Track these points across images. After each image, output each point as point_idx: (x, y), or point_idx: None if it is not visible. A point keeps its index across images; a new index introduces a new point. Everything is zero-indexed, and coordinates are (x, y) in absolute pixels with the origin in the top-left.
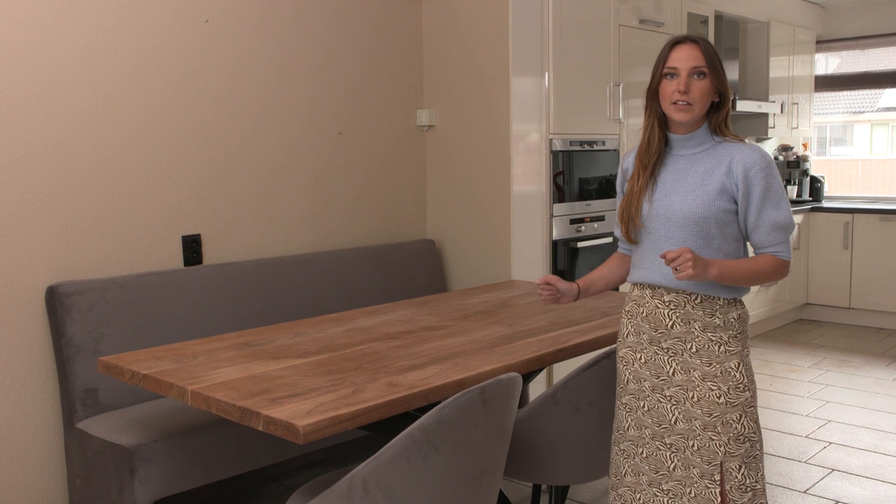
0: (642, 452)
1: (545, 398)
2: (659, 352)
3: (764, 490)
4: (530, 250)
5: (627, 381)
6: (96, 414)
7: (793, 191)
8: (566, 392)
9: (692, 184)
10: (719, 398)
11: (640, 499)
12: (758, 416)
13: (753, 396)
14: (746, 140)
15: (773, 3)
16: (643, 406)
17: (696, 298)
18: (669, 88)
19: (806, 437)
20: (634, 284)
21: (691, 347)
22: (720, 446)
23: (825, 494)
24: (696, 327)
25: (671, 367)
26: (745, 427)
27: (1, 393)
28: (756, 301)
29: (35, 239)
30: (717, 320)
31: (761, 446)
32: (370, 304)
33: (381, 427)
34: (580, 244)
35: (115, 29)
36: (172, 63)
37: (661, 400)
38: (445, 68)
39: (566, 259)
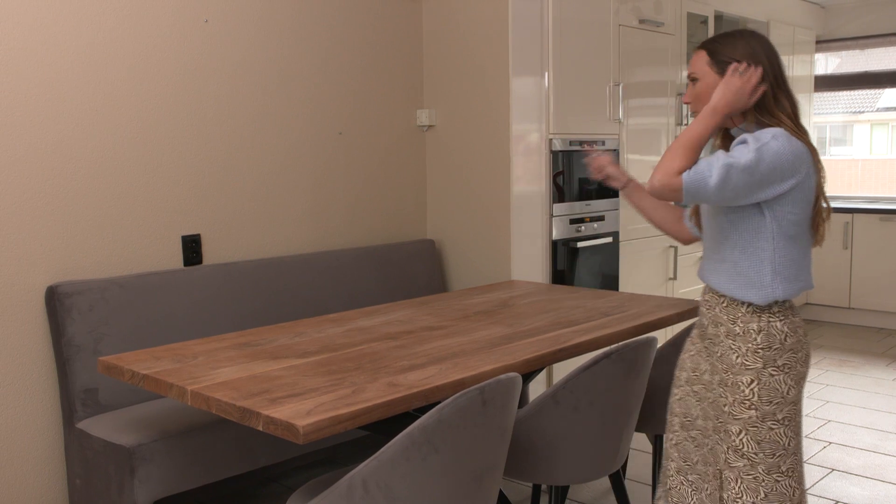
0: (673, 439)
1: (545, 398)
2: (702, 349)
3: None
4: (530, 250)
5: (679, 367)
6: (96, 414)
7: None
8: (566, 392)
9: None
10: (724, 407)
11: (668, 484)
12: (775, 440)
13: (764, 418)
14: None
15: (773, 3)
16: (677, 395)
17: (723, 302)
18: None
19: (806, 436)
20: None
21: (717, 351)
22: (722, 453)
23: (825, 494)
24: (722, 332)
25: (704, 365)
26: (742, 443)
27: (1, 393)
28: None
29: (35, 239)
30: (737, 328)
31: (769, 470)
32: (370, 304)
33: (381, 427)
34: (580, 244)
35: (114, 29)
36: (172, 63)
37: (690, 394)
38: (445, 68)
39: (566, 259)
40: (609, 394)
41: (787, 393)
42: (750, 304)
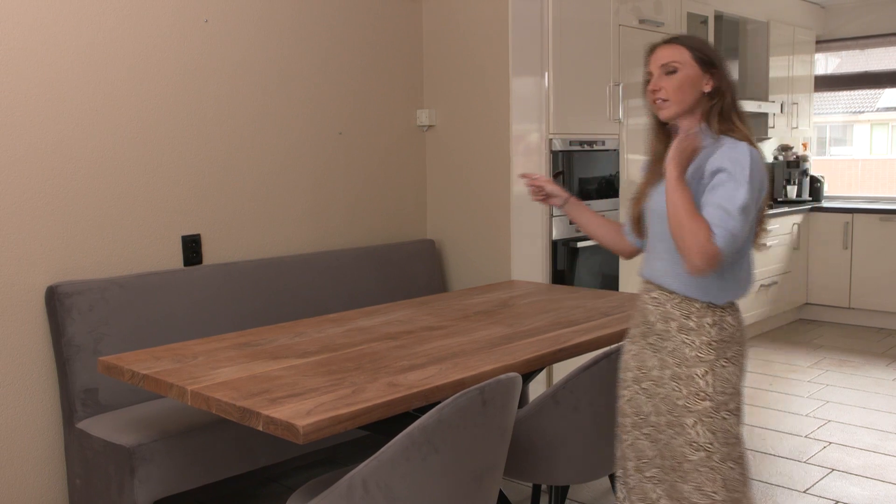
0: (627, 440)
1: (545, 398)
2: (646, 346)
3: (728, 501)
4: (530, 250)
5: (623, 368)
6: (96, 414)
7: (792, 191)
8: (566, 392)
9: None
10: (678, 400)
11: (629, 483)
12: (727, 429)
13: (718, 408)
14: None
15: (773, 3)
16: (625, 396)
17: (676, 298)
18: (648, 89)
19: (806, 436)
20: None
21: (668, 346)
22: (678, 447)
23: (825, 494)
24: (673, 327)
25: (652, 361)
26: (698, 434)
27: (1, 393)
28: (756, 301)
29: (35, 239)
30: (691, 323)
31: (723, 459)
32: (370, 305)
33: (381, 427)
34: (580, 244)
35: (114, 29)
36: (172, 63)
37: (639, 392)
38: (445, 68)
39: (566, 259)
40: (609, 394)
41: (737, 384)
42: (702, 302)
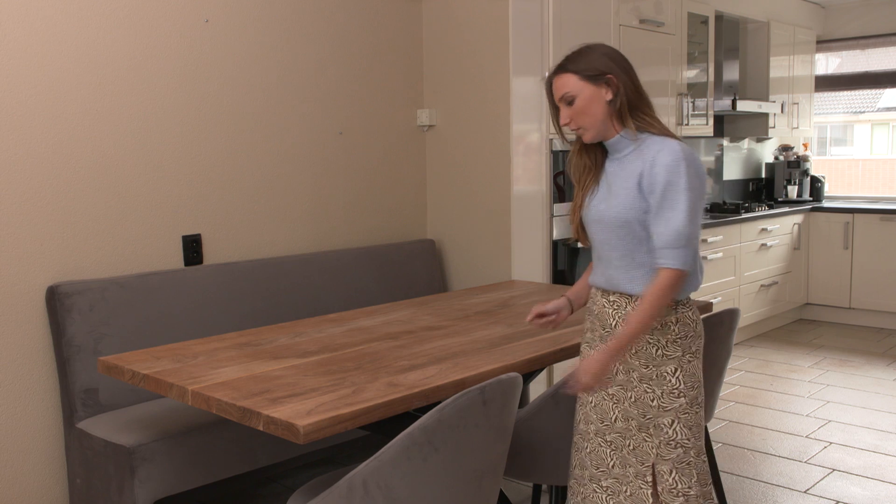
0: (587, 447)
1: (545, 398)
2: None
3: (700, 496)
4: (531, 250)
5: None
6: (96, 414)
7: (793, 191)
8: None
9: (620, 186)
10: (652, 401)
11: (582, 493)
12: (699, 422)
13: (691, 403)
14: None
15: (774, 3)
16: (590, 402)
17: (635, 300)
18: (560, 123)
19: (806, 437)
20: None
21: (631, 348)
22: (652, 448)
23: (825, 494)
24: None
25: (614, 365)
26: (676, 433)
27: (1, 393)
28: (756, 301)
29: (35, 239)
30: (654, 323)
31: (698, 453)
32: (370, 305)
33: (382, 427)
34: (580, 244)
35: (115, 29)
36: (173, 63)
37: (605, 397)
38: (446, 68)
39: (566, 259)
40: None
41: (700, 377)
42: None
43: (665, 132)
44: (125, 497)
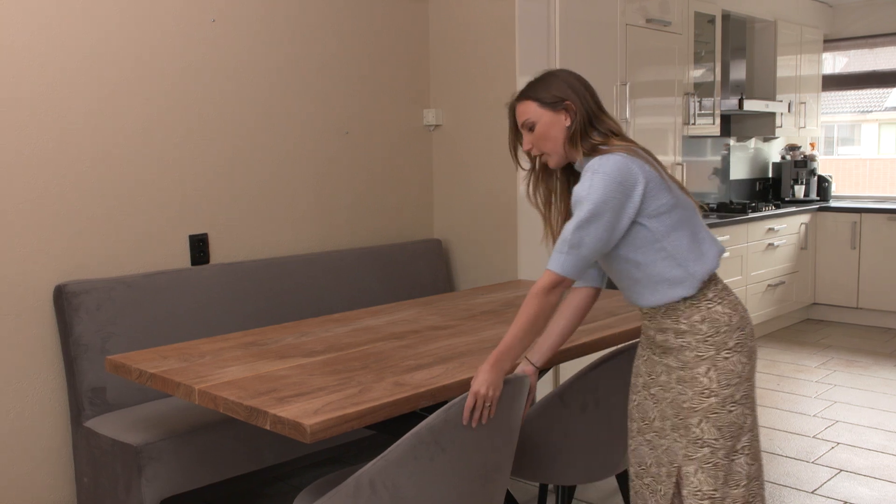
0: (631, 445)
1: (552, 397)
2: (653, 353)
3: (728, 498)
4: (537, 250)
5: (634, 374)
6: (104, 413)
7: (800, 190)
8: (573, 391)
9: None
10: (684, 403)
11: (632, 487)
12: (734, 421)
13: (723, 403)
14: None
15: (781, 3)
16: (634, 401)
17: (661, 310)
18: (524, 149)
19: (814, 437)
20: None
21: (670, 352)
22: (681, 449)
23: (833, 495)
24: (671, 335)
25: (659, 367)
26: (703, 432)
27: (9, 392)
28: (763, 301)
29: (43, 238)
30: (682, 326)
31: (728, 453)
32: (376, 304)
33: (388, 426)
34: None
35: (121, 28)
36: (179, 62)
37: (647, 397)
38: (452, 68)
39: None
40: (616, 394)
41: (743, 371)
42: (684, 299)
43: (614, 149)
44: (132, 496)
